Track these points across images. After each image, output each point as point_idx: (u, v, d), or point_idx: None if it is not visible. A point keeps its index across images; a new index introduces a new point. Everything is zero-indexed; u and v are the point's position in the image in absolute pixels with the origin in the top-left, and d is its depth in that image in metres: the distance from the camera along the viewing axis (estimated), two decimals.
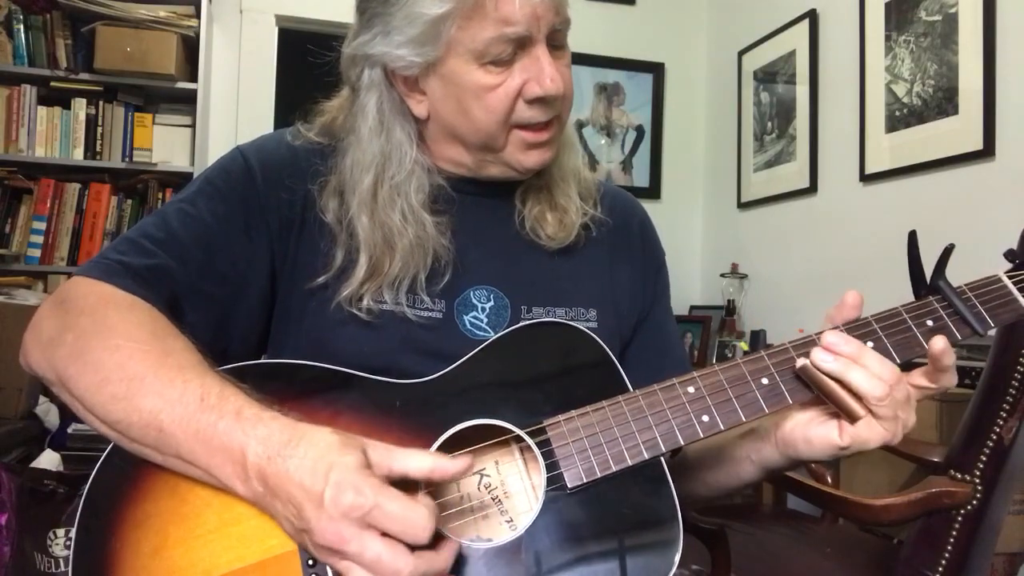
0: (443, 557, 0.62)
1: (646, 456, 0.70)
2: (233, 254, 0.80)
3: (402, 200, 0.82)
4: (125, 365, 0.67)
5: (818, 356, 0.70)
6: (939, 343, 0.69)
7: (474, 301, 0.85)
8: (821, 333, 0.73)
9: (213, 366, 0.70)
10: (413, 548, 0.59)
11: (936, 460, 1.47)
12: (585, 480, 0.69)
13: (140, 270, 0.75)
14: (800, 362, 0.71)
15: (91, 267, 0.76)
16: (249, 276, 0.81)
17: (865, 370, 0.68)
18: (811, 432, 0.73)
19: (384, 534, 0.58)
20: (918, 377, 0.72)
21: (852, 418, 0.70)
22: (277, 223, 0.82)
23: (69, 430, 2.22)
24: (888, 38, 2.49)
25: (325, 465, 0.60)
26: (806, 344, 0.73)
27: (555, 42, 0.80)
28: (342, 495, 0.58)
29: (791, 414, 0.75)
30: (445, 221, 0.84)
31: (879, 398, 0.68)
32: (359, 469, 0.60)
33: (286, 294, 0.83)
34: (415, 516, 0.58)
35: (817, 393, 0.71)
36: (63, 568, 1.78)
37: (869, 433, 0.70)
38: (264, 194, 0.82)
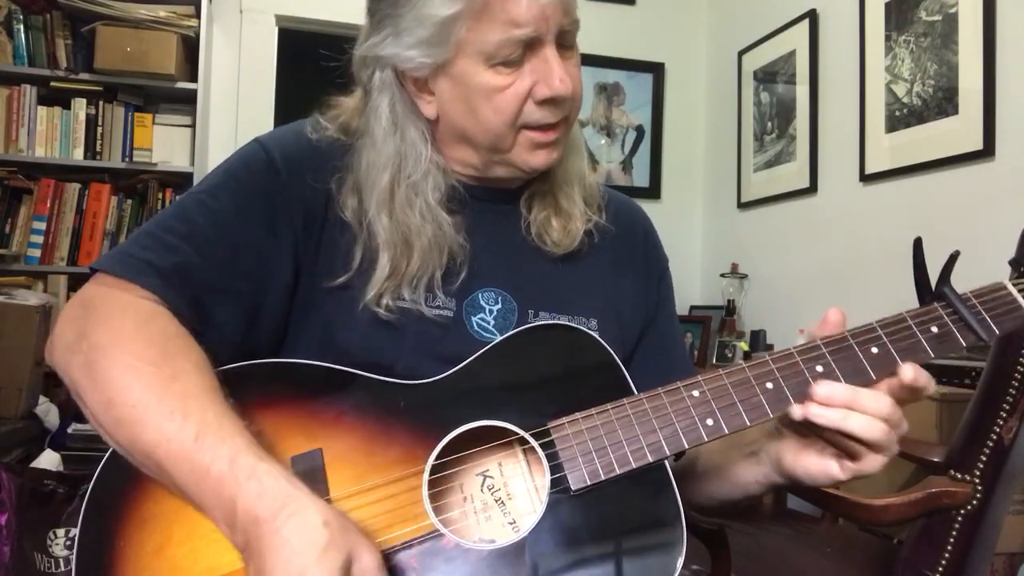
0: None
1: (650, 459, 0.70)
2: (258, 250, 0.79)
3: (420, 199, 0.82)
4: (131, 389, 0.66)
5: (813, 411, 0.69)
6: (909, 372, 0.69)
7: (482, 303, 0.85)
8: (812, 351, 0.73)
9: (221, 393, 0.68)
10: None
11: (936, 460, 1.47)
12: (589, 483, 0.69)
13: (165, 270, 0.74)
14: (796, 412, 0.70)
15: (116, 264, 0.75)
16: (275, 271, 0.81)
17: (863, 415, 0.68)
18: (811, 467, 0.73)
19: None
20: (899, 392, 0.71)
21: (854, 458, 0.70)
22: (301, 218, 0.82)
23: (69, 430, 2.22)
24: (888, 38, 2.49)
25: (299, 565, 0.58)
26: (811, 350, 0.73)
27: (564, 42, 0.80)
28: None
29: (788, 442, 0.75)
30: (459, 221, 0.84)
31: (879, 438, 0.68)
32: (341, 572, 0.58)
33: (306, 289, 0.83)
34: None
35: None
36: (63, 568, 1.78)
37: (871, 465, 0.70)
38: (287, 188, 0.81)
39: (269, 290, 0.80)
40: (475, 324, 0.83)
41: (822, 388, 0.69)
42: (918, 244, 0.77)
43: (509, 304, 0.85)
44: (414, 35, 0.77)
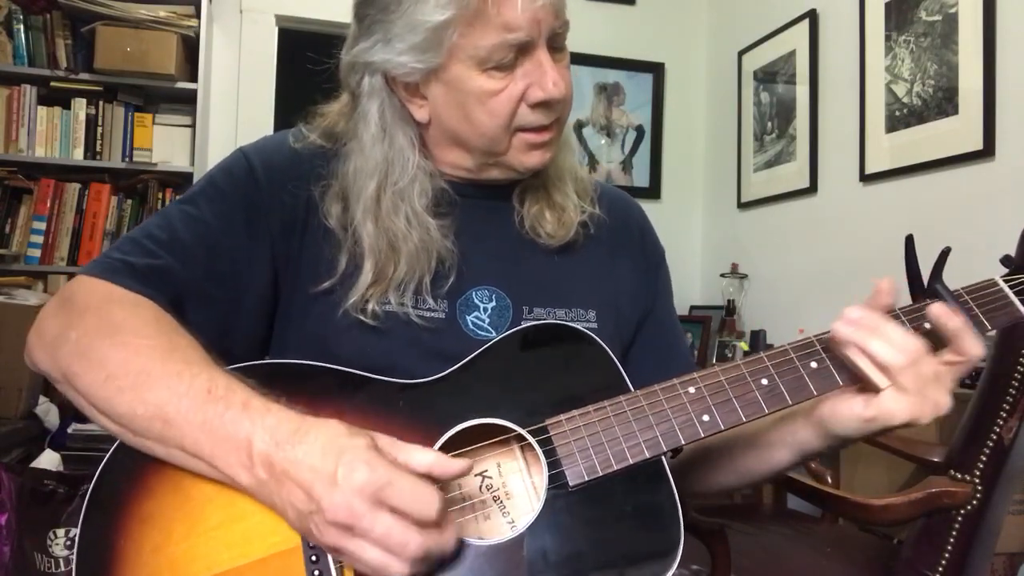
0: (448, 536, 0.63)
1: (647, 455, 0.70)
2: (235, 255, 0.81)
3: (406, 205, 0.82)
4: (131, 360, 0.68)
5: (838, 325, 0.70)
6: (936, 308, 0.70)
7: (476, 301, 0.85)
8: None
9: (218, 362, 0.70)
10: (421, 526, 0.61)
11: (936, 460, 1.47)
12: (586, 478, 0.69)
13: (143, 269, 0.76)
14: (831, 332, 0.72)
15: (94, 266, 0.76)
16: (251, 277, 0.82)
17: (885, 339, 0.69)
18: (838, 405, 0.73)
19: (393, 511, 0.60)
20: (945, 353, 0.71)
21: (875, 388, 0.70)
22: (279, 225, 0.82)
23: (69, 430, 2.22)
24: (888, 38, 2.49)
25: (336, 447, 0.61)
26: (806, 347, 0.74)
27: (555, 44, 0.80)
28: (355, 471, 0.60)
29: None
30: (448, 224, 0.84)
31: (900, 367, 0.68)
32: (369, 449, 0.62)
33: (289, 296, 0.84)
34: (425, 494, 0.60)
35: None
36: (63, 568, 1.78)
37: (894, 405, 0.69)
38: (267, 196, 0.82)
39: (244, 296, 0.82)
40: (470, 323, 0.84)
41: (851, 309, 0.71)
42: (910, 241, 0.78)
43: (503, 301, 0.85)
44: (405, 41, 0.77)
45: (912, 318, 0.74)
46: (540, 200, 0.89)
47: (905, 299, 0.77)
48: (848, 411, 0.72)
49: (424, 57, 0.77)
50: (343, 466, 0.60)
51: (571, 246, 0.90)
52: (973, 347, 0.70)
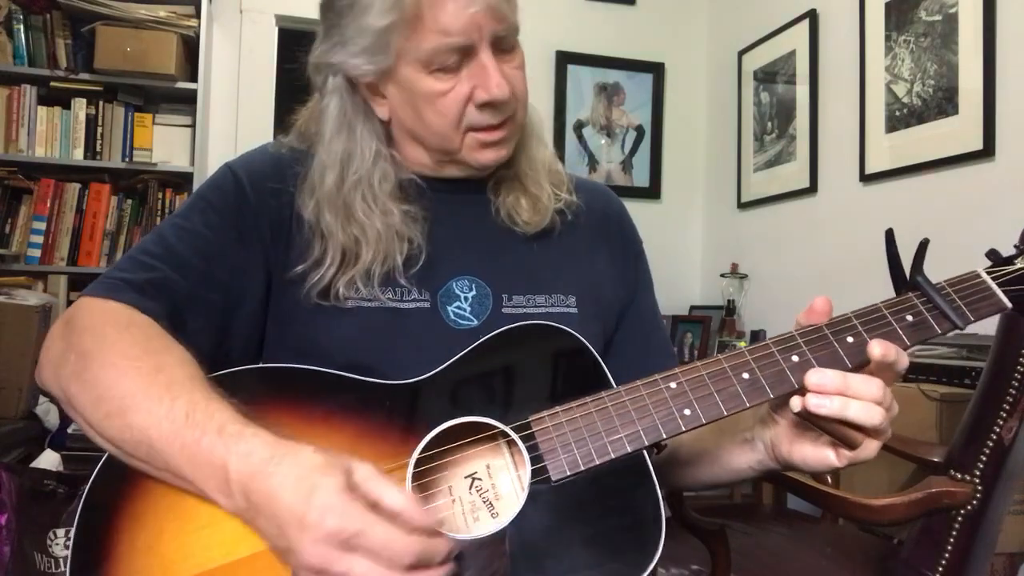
0: (442, 572, 0.60)
1: (628, 450, 0.70)
2: (229, 262, 0.83)
3: (368, 192, 0.84)
4: (118, 383, 0.69)
5: (813, 402, 0.67)
6: (876, 348, 0.68)
7: (457, 291, 0.86)
8: (802, 337, 0.73)
9: (206, 381, 0.71)
10: None
11: (936, 460, 1.47)
12: (569, 473, 0.70)
13: (141, 284, 0.78)
14: (795, 405, 0.69)
15: (95, 287, 0.78)
16: (246, 282, 0.84)
17: (859, 401, 0.67)
18: (807, 455, 0.73)
19: (368, 554, 0.58)
20: (883, 372, 0.71)
21: (851, 446, 0.70)
22: (268, 229, 0.85)
23: (69, 430, 2.22)
24: (888, 38, 2.49)
25: (307, 486, 0.59)
26: (786, 341, 0.74)
27: (502, 47, 0.82)
28: (325, 519, 0.58)
29: (783, 431, 0.75)
30: (416, 210, 0.86)
31: (879, 423, 0.67)
32: (341, 492, 0.59)
33: (278, 296, 0.85)
34: (400, 545, 0.58)
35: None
36: (63, 568, 1.78)
37: (866, 452, 0.70)
38: (255, 203, 0.85)
39: (242, 301, 0.83)
40: (451, 313, 0.85)
41: (813, 376, 0.68)
42: (890, 235, 0.77)
43: (483, 290, 0.87)
44: (357, 44, 0.81)
45: (895, 311, 0.74)
46: (515, 190, 0.91)
47: (888, 292, 0.77)
48: (818, 462, 0.73)
49: (375, 59, 0.81)
50: (313, 510, 0.58)
51: (549, 233, 0.91)
52: (905, 361, 0.70)
